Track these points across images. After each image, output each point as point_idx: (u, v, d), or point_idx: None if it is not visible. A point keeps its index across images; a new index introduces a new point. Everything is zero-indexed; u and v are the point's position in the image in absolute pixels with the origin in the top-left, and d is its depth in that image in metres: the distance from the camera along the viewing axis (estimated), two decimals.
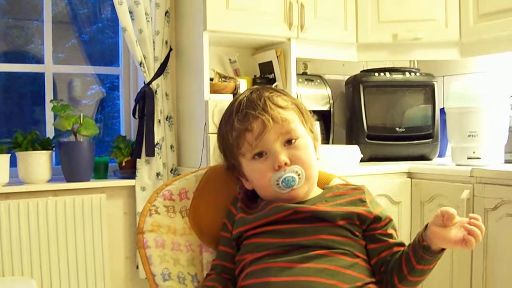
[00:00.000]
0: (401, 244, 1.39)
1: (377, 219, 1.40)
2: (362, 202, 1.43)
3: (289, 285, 1.27)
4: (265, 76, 3.28)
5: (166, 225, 1.55)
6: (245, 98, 1.45)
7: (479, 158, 2.88)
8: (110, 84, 3.62)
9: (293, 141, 1.41)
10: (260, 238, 1.38)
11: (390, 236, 1.40)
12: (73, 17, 3.49)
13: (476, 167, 2.76)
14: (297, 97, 3.19)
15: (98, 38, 3.61)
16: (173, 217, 1.57)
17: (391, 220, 1.43)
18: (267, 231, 1.38)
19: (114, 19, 3.46)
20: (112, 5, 3.11)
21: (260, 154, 1.42)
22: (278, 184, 1.39)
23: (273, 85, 3.10)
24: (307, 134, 1.45)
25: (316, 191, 1.49)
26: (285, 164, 1.39)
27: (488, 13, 3.15)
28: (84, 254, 3.00)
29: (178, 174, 3.17)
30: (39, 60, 3.31)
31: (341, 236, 1.36)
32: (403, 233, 3.09)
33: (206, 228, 1.58)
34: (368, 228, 1.40)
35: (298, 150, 1.41)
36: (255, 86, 1.53)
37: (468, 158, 2.91)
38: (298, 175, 1.39)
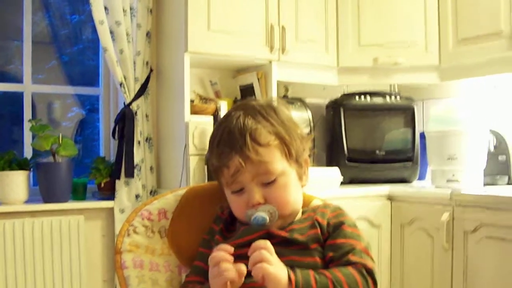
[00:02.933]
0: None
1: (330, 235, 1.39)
2: (317, 222, 1.40)
3: None
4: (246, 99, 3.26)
5: (145, 245, 1.53)
6: (227, 129, 1.40)
7: (458, 181, 2.89)
8: (91, 106, 3.60)
9: (270, 182, 1.39)
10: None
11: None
12: (54, 38, 3.47)
13: (456, 190, 2.77)
14: None
15: (79, 59, 3.60)
16: (151, 237, 1.55)
17: (342, 228, 1.40)
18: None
19: (95, 41, 3.45)
20: (93, 27, 3.10)
21: (238, 190, 1.41)
22: (250, 220, 1.37)
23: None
24: (289, 169, 1.41)
25: (298, 215, 1.47)
26: (259, 203, 1.38)
27: (467, 38, 3.19)
28: (61, 277, 2.95)
29: None
30: (19, 81, 3.27)
31: (313, 257, 1.34)
32: (383, 256, 3.09)
33: (185, 249, 1.56)
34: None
35: (274, 190, 1.38)
36: (245, 104, 1.46)
37: (448, 181, 2.93)
38: (271, 214, 1.37)
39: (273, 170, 1.38)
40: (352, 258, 1.31)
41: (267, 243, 1.25)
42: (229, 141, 1.38)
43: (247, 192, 1.39)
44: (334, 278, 1.25)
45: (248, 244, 1.35)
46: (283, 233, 1.37)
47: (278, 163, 1.39)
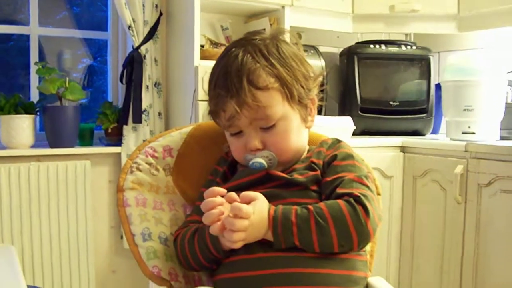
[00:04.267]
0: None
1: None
2: (315, 164, 1.36)
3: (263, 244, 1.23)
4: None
5: (148, 183, 1.48)
6: (223, 70, 1.33)
7: (474, 133, 2.82)
8: (101, 58, 3.53)
9: (269, 127, 1.33)
10: None
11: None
12: None
13: (471, 142, 2.70)
14: None
15: (89, 10, 3.52)
16: (156, 175, 1.50)
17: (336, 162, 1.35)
18: None
19: None
20: None
21: (236, 132, 1.36)
22: (248, 165, 1.34)
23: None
24: (291, 112, 1.35)
25: (304, 154, 1.43)
26: (257, 149, 1.33)
27: None
28: (67, 222, 2.92)
29: None
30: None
31: (312, 198, 1.30)
32: (394, 207, 3.05)
33: (190, 188, 1.52)
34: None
35: (274, 135, 1.33)
36: (246, 39, 1.38)
37: (463, 133, 2.85)
38: (269, 160, 1.33)
39: (272, 115, 1.31)
40: (340, 190, 1.26)
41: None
42: (225, 83, 1.32)
43: (245, 135, 1.34)
44: (315, 210, 1.20)
45: (247, 185, 1.32)
46: (283, 175, 1.33)
47: (278, 107, 1.32)
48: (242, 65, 1.31)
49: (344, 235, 1.20)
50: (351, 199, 1.22)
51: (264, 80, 1.30)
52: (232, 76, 1.31)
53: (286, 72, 1.33)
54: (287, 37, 1.44)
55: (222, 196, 1.22)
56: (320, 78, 1.43)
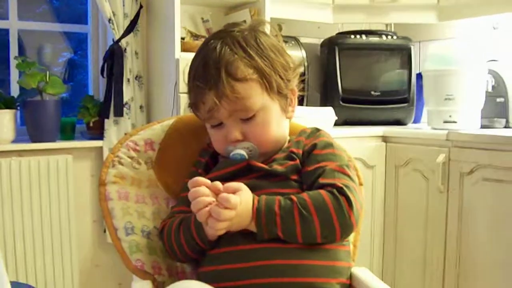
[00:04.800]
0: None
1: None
2: (294, 154, 1.36)
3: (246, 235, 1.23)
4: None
5: (130, 176, 1.47)
6: (202, 62, 1.33)
7: (455, 122, 2.84)
8: (82, 51, 3.50)
9: (249, 118, 1.33)
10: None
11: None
12: None
13: (453, 131, 2.71)
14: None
15: (69, 4, 3.50)
16: (138, 168, 1.49)
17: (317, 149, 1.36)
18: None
19: None
20: None
21: (216, 124, 1.36)
22: (229, 156, 1.34)
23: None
24: (270, 103, 1.35)
25: (285, 145, 1.43)
26: (238, 140, 1.33)
27: None
28: (49, 217, 2.90)
29: None
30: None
31: (293, 188, 1.30)
32: (377, 197, 3.06)
33: (172, 182, 1.51)
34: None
35: (253, 127, 1.33)
36: (225, 31, 1.39)
37: (444, 122, 2.87)
38: (250, 151, 1.33)
39: (251, 106, 1.31)
40: (322, 180, 1.26)
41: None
42: (203, 75, 1.32)
43: (225, 127, 1.34)
44: (299, 201, 1.21)
45: (229, 176, 1.32)
46: (263, 166, 1.33)
47: (257, 98, 1.32)
48: (220, 57, 1.31)
49: (327, 227, 1.21)
50: (334, 190, 1.22)
51: (242, 72, 1.30)
52: (211, 68, 1.31)
53: (265, 63, 1.33)
54: (267, 28, 1.44)
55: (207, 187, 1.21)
56: (300, 69, 1.44)
